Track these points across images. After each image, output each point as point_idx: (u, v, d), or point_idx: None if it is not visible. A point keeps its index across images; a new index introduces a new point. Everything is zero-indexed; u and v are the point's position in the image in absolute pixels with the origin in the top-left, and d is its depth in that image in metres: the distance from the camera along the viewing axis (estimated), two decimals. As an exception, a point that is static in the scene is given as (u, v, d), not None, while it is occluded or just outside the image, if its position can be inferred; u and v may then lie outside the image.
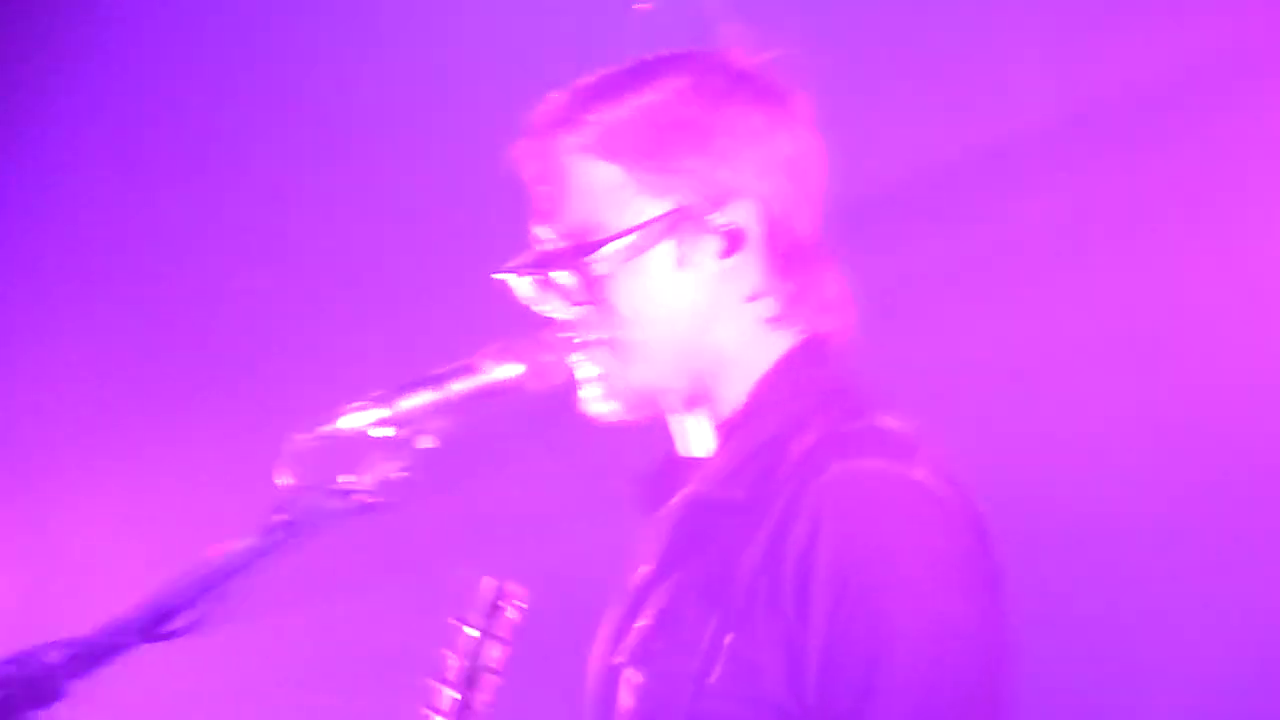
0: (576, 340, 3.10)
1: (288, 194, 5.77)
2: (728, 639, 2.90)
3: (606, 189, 3.08)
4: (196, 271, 5.85)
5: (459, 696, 2.96)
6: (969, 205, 5.08)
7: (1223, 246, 4.87)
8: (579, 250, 3.07)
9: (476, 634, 2.95)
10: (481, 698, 2.96)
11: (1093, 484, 4.92)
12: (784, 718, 2.87)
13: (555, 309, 3.11)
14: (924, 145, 5.07)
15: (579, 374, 3.13)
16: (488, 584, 2.95)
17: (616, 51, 3.17)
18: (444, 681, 2.95)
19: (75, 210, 5.89)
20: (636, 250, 3.06)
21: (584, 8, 4.92)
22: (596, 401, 3.14)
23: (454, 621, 2.95)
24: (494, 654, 2.95)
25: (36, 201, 5.92)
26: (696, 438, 3.18)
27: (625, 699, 3.01)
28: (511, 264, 3.14)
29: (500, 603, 2.95)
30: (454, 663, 2.95)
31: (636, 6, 3.14)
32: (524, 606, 2.95)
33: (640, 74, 3.12)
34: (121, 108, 5.84)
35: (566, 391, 3.14)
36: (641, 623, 3.05)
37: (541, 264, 3.12)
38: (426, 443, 2.92)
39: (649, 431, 3.21)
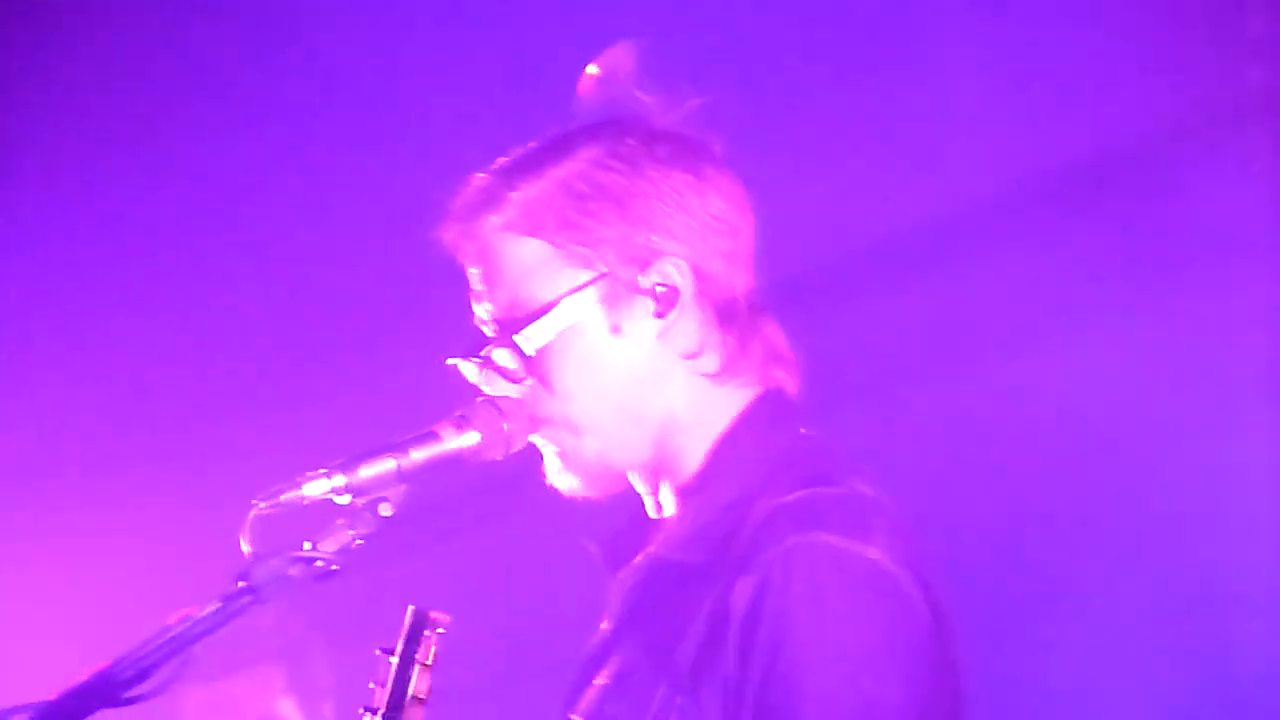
0: (530, 417, 3.11)
1: (254, 261, 5.77)
2: (677, 701, 2.92)
3: (533, 265, 3.10)
4: (156, 339, 5.84)
5: None
6: (926, 267, 5.12)
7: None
8: (510, 327, 3.09)
9: (396, 661, 2.96)
10: None
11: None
12: None
13: (502, 389, 3.12)
14: (879, 209, 5.11)
15: (540, 448, 3.15)
16: (411, 612, 2.95)
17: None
18: (372, 711, 2.94)
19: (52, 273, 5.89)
20: (566, 322, 3.08)
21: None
22: (558, 477, 3.17)
23: (379, 652, 2.96)
24: (420, 682, 2.94)
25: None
26: (659, 499, 3.19)
27: None
28: (456, 352, 3.15)
29: (424, 630, 2.95)
30: (380, 692, 2.95)
31: (588, 72, 3.16)
32: (444, 633, 2.94)
33: (558, 146, 3.14)
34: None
35: (525, 459, 3.16)
36: (599, 681, 3.08)
37: (478, 349, 3.13)
38: (386, 510, 2.94)
39: (612, 497, 3.23)
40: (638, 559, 3.14)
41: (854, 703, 2.82)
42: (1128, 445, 4.90)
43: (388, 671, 2.92)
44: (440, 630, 2.92)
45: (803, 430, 3.17)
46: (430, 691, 2.92)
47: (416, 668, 2.91)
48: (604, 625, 3.16)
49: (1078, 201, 4.98)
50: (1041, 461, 4.96)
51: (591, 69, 3.21)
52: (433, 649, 2.91)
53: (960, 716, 2.97)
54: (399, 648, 2.92)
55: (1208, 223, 4.86)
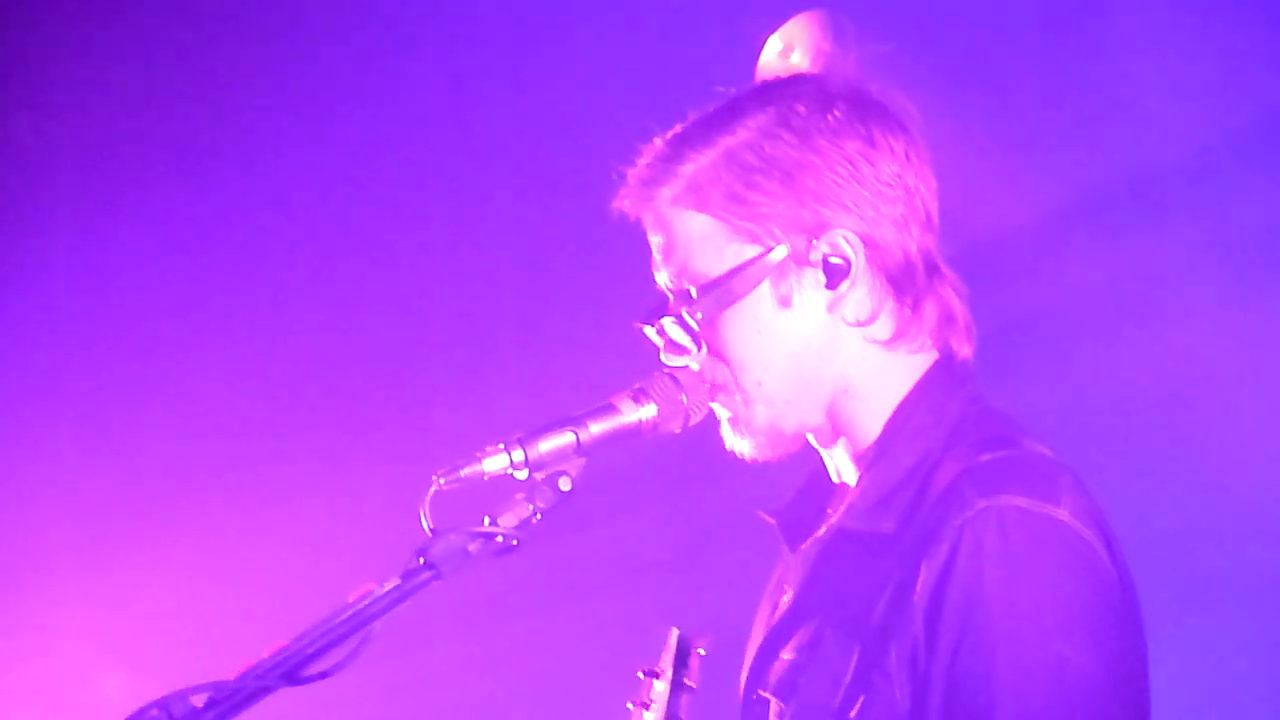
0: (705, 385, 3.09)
1: (429, 239, 5.81)
2: (872, 674, 2.89)
3: (700, 240, 3.07)
4: (336, 318, 5.89)
5: None
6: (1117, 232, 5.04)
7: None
8: (681, 299, 3.07)
9: (666, 686, 2.94)
10: None
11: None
12: None
13: (676, 360, 3.10)
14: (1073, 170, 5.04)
15: (717, 414, 3.13)
16: (673, 634, 2.94)
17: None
18: None
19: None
20: (735, 296, 3.05)
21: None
22: (734, 441, 3.14)
23: (642, 675, 2.94)
24: (684, 702, 2.93)
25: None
26: (839, 466, 3.16)
27: None
28: (638, 317, 3.15)
29: (689, 651, 2.93)
30: (647, 715, 2.93)
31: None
32: (704, 654, 2.94)
33: (730, 112, 3.11)
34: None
35: (703, 430, 3.14)
36: (786, 655, 3.04)
37: (651, 317, 3.12)
38: (565, 484, 2.92)
39: (791, 464, 3.20)
40: (821, 531, 3.11)
41: (1049, 669, 2.78)
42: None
43: (649, 692, 2.91)
44: (702, 651, 2.92)
45: (981, 394, 3.12)
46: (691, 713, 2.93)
47: (684, 691, 2.91)
48: (785, 598, 3.13)
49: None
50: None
51: (774, 42, 3.17)
52: (697, 671, 2.91)
53: (1147, 680, 2.91)
54: (667, 672, 2.91)
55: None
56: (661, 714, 2.92)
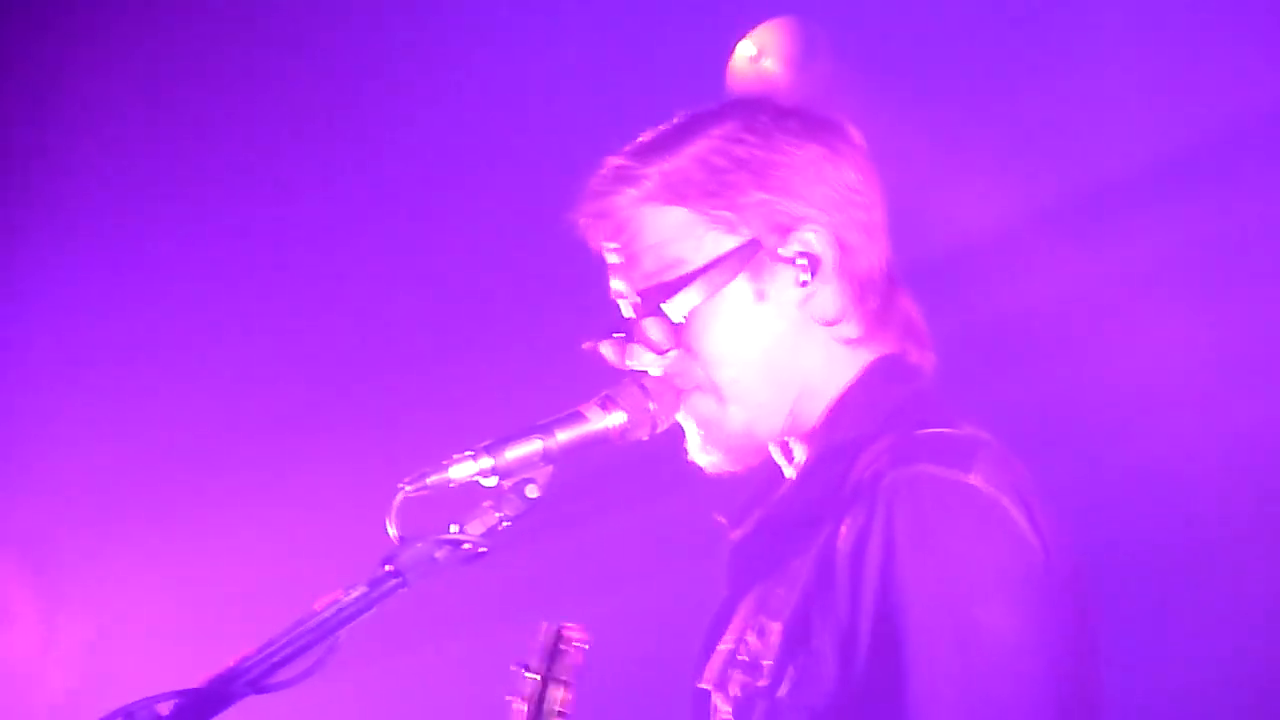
0: (675, 387, 3.11)
1: (400, 241, 5.80)
2: (796, 651, 2.91)
3: (677, 232, 3.10)
4: (302, 325, 5.88)
5: None
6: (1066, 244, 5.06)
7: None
8: (657, 295, 3.09)
9: (538, 678, 2.94)
10: None
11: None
12: None
13: (647, 363, 3.11)
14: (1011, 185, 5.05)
15: (682, 424, 3.14)
16: (547, 628, 2.94)
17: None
18: None
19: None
20: (715, 287, 3.07)
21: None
22: (700, 452, 3.16)
23: (516, 668, 2.94)
24: (559, 696, 2.93)
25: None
26: (789, 462, 3.19)
27: None
28: (595, 335, 3.16)
29: (560, 646, 2.93)
30: (521, 708, 2.93)
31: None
32: (584, 648, 2.93)
33: (690, 125, 3.16)
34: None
35: (670, 437, 3.15)
36: (723, 646, 3.09)
37: (626, 322, 3.13)
38: (533, 492, 2.92)
39: (752, 472, 3.22)
40: (749, 521, 3.17)
41: (961, 631, 2.80)
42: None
43: (527, 687, 2.91)
44: (577, 644, 2.91)
45: (922, 387, 3.17)
46: (571, 703, 2.91)
47: (556, 685, 2.90)
48: (723, 592, 3.18)
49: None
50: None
51: (746, 47, 3.20)
52: (572, 666, 2.90)
53: (1078, 645, 2.91)
54: (538, 666, 2.91)
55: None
56: (533, 707, 2.91)
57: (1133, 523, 4.83)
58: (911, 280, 3.24)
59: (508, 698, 2.92)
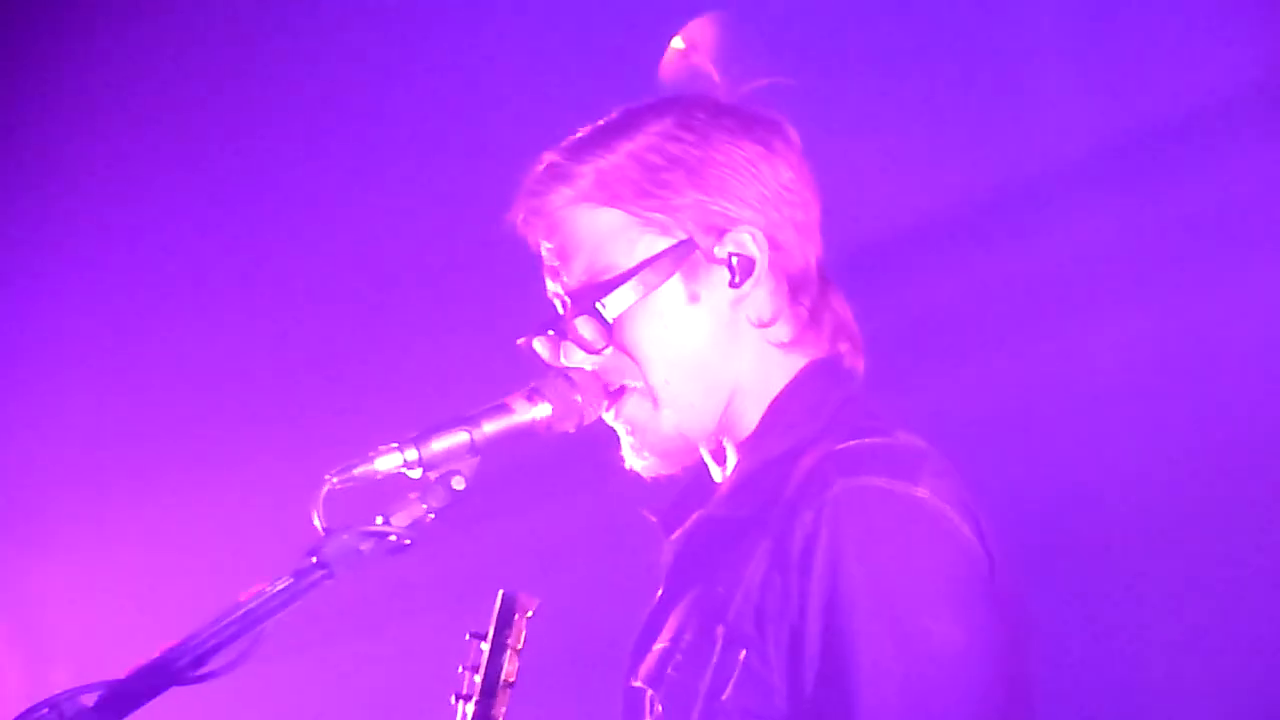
0: (602, 380, 3.11)
1: (324, 234, 5.78)
2: (741, 655, 2.91)
3: (611, 233, 3.09)
4: (227, 314, 5.85)
5: (477, 709, 2.96)
6: (989, 237, 5.07)
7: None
8: (590, 294, 3.08)
9: (488, 647, 2.94)
10: (499, 710, 2.96)
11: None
12: None
13: (579, 361, 3.11)
14: (944, 177, 5.07)
15: (615, 429, 3.15)
16: (500, 597, 2.94)
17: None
18: (462, 697, 2.95)
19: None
20: (648, 288, 3.07)
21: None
22: (635, 456, 3.16)
23: (469, 637, 2.94)
24: (508, 665, 2.94)
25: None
26: (720, 463, 3.19)
27: None
28: (527, 330, 3.16)
29: (515, 614, 2.94)
30: (472, 677, 2.94)
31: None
32: (531, 616, 2.94)
33: (625, 122, 3.15)
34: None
35: (596, 430, 3.15)
36: (659, 645, 3.07)
37: (560, 319, 3.13)
38: (459, 483, 2.92)
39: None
40: (688, 522, 3.15)
41: (912, 642, 2.81)
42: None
43: (478, 657, 2.92)
44: (530, 614, 2.92)
45: (857, 391, 3.17)
46: (518, 674, 2.92)
47: (508, 653, 2.91)
48: (659, 590, 3.17)
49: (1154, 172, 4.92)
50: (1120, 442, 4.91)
51: (676, 42, 3.20)
52: (523, 633, 2.91)
53: (1024, 655, 2.95)
54: (490, 633, 2.92)
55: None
56: (483, 675, 2.92)
57: (1063, 518, 4.86)
58: (844, 277, 3.24)
59: (460, 669, 2.93)
